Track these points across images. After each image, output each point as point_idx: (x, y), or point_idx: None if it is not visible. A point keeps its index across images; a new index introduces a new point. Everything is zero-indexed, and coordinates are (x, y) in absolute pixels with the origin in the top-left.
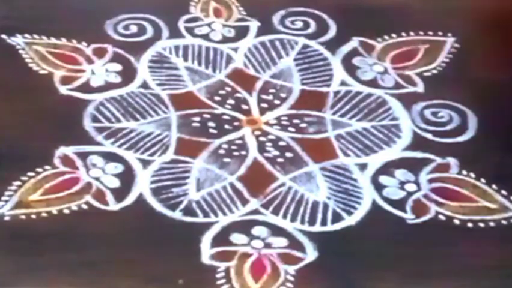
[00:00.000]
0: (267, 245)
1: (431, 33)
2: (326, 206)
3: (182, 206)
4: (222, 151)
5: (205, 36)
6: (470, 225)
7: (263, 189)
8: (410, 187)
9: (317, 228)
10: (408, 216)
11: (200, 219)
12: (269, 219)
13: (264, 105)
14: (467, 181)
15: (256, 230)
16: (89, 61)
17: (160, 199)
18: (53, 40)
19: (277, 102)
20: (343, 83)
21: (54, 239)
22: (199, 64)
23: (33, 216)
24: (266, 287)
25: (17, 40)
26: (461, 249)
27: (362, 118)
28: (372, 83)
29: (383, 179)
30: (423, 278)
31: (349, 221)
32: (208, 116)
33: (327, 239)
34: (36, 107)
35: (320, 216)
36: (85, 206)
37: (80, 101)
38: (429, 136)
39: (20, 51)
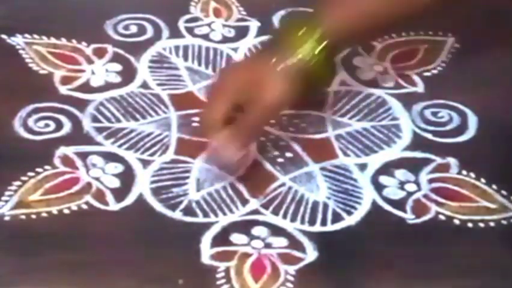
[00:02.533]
0: (267, 245)
1: (431, 33)
2: (325, 206)
3: (182, 206)
4: None
5: (205, 36)
6: (470, 225)
7: (263, 189)
8: (410, 187)
9: (317, 228)
10: (408, 216)
11: (200, 219)
12: (269, 219)
13: None
14: (467, 181)
15: (256, 230)
16: (89, 61)
17: (160, 199)
18: (53, 40)
19: None
20: (343, 83)
21: (54, 239)
22: (199, 64)
23: (33, 216)
24: (266, 287)
25: (17, 40)
26: (461, 249)
27: (362, 118)
28: (372, 83)
29: (383, 179)
30: (423, 278)
31: (349, 221)
32: None
33: (327, 239)
34: (37, 107)
35: (319, 216)
36: (85, 206)
37: (80, 101)
38: (429, 136)
39: (20, 51)
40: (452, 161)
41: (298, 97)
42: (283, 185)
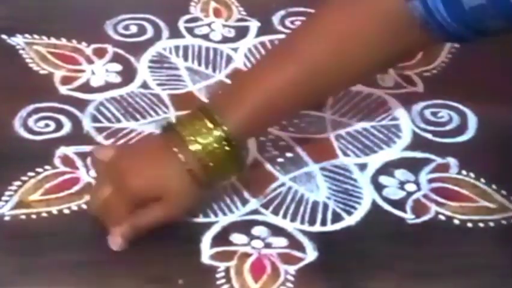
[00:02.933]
0: (267, 245)
1: None
2: (325, 206)
3: None
4: None
5: (205, 36)
6: (470, 225)
7: (263, 189)
8: (410, 187)
9: (317, 228)
10: (408, 216)
11: (200, 219)
12: (269, 219)
13: None
14: (467, 181)
15: (256, 230)
16: (89, 61)
17: None
18: (53, 40)
19: None
20: None
21: (54, 239)
22: (199, 64)
23: (33, 216)
24: (266, 287)
25: (17, 40)
26: (461, 249)
27: (362, 118)
28: (372, 83)
29: (383, 179)
30: (423, 278)
31: (349, 221)
32: None
33: (327, 239)
34: (37, 107)
35: (319, 216)
36: (85, 206)
37: (80, 101)
38: (429, 136)
39: (20, 51)
40: (451, 161)
41: (200, 193)
42: (283, 185)
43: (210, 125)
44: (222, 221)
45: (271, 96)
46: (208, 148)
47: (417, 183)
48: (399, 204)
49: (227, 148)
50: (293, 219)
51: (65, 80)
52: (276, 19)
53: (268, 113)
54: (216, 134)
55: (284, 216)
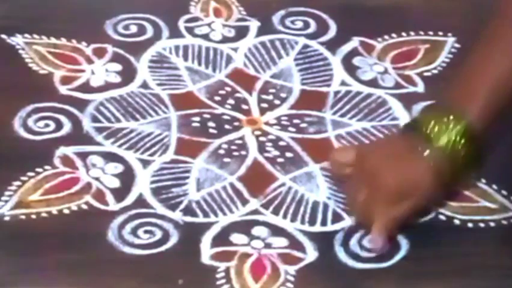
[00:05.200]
0: (267, 245)
1: (431, 33)
2: (326, 206)
3: (182, 206)
4: (222, 151)
5: (205, 36)
6: (470, 225)
7: (263, 189)
8: None
9: (317, 228)
10: None
11: (200, 219)
12: (269, 219)
13: (264, 105)
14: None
15: (256, 230)
16: (89, 61)
17: (160, 199)
18: (53, 40)
19: (277, 102)
20: (343, 83)
21: (54, 239)
22: (199, 64)
23: (33, 216)
24: (266, 287)
25: (17, 40)
26: (461, 249)
27: (362, 118)
28: (372, 83)
29: None
30: (423, 278)
31: (349, 221)
32: (208, 116)
33: (327, 239)
34: (36, 107)
35: (320, 216)
36: (85, 206)
37: (80, 101)
38: None
39: (20, 51)
40: None
41: (443, 189)
42: (283, 185)
43: (452, 121)
44: (222, 221)
45: (503, 81)
46: (453, 144)
47: None
48: None
49: (470, 142)
50: (293, 220)
51: (65, 80)
52: (276, 19)
53: (503, 98)
54: (459, 129)
55: (284, 217)
